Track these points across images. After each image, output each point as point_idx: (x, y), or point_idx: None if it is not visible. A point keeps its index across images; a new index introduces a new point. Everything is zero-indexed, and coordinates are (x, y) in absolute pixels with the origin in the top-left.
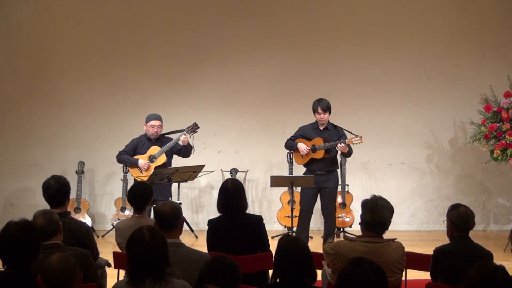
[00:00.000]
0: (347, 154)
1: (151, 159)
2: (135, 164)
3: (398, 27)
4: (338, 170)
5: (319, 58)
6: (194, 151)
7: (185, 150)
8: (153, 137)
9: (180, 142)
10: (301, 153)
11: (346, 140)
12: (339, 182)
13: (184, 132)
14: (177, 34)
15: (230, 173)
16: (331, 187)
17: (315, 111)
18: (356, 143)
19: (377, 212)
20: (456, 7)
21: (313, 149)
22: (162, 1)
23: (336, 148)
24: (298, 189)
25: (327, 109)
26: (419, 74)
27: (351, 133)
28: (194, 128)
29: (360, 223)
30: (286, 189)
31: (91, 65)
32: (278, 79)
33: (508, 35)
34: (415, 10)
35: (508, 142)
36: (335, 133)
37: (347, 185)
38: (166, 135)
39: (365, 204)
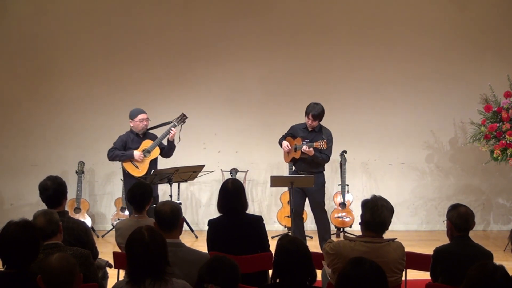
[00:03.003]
0: (316, 158)
1: (145, 153)
2: (130, 157)
3: (398, 27)
4: (326, 173)
5: (319, 58)
6: (174, 153)
7: (168, 148)
8: (142, 132)
9: (169, 136)
10: (284, 150)
11: (314, 144)
12: (338, 182)
13: (174, 123)
14: (177, 34)
15: (230, 173)
16: (314, 189)
17: (306, 114)
18: (321, 147)
19: (377, 212)
20: (456, 7)
21: (295, 148)
22: (161, 1)
23: (302, 150)
24: None
25: (318, 117)
26: (419, 74)
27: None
28: (183, 118)
29: (360, 223)
30: (286, 189)
31: (91, 65)
32: (278, 79)
33: (508, 35)
34: (414, 10)
35: (508, 142)
36: (319, 135)
37: (347, 185)
38: (150, 130)
39: (365, 204)
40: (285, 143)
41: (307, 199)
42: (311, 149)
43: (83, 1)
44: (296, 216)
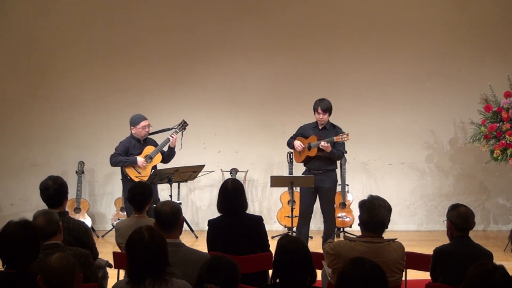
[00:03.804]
0: (332, 155)
1: (147, 159)
2: (133, 163)
3: (398, 28)
4: (338, 171)
5: (319, 59)
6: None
7: (168, 154)
8: (143, 138)
9: (170, 143)
10: (297, 150)
11: (334, 138)
12: (339, 182)
13: (175, 129)
14: (177, 34)
15: (230, 173)
16: (328, 187)
17: (315, 110)
18: (343, 140)
19: (375, 212)
20: (456, 8)
21: (309, 147)
22: (162, 1)
23: (320, 146)
24: (298, 189)
25: (327, 110)
26: (419, 74)
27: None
28: (183, 125)
29: (359, 224)
30: (286, 189)
31: (91, 65)
32: (278, 79)
33: (508, 36)
34: (414, 11)
35: (508, 142)
36: (333, 132)
37: (347, 185)
38: (149, 135)
39: (362, 205)
40: (297, 142)
41: (316, 201)
42: (329, 144)
43: (83, 2)
44: (305, 216)
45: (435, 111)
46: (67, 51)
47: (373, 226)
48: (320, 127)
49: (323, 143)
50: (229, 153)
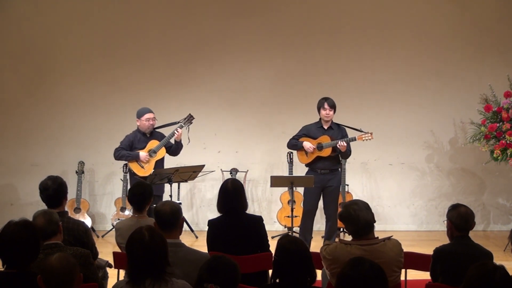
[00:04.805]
0: (345, 154)
1: (151, 153)
2: (136, 158)
3: (398, 27)
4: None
5: (319, 58)
6: (184, 149)
7: (175, 148)
8: (148, 131)
9: (175, 137)
10: (308, 151)
11: (356, 137)
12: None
13: (181, 123)
14: (177, 33)
15: (230, 173)
16: (334, 186)
17: (320, 107)
18: (367, 140)
19: (355, 219)
20: (456, 7)
21: (319, 147)
22: (161, 0)
23: (337, 146)
24: (298, 189)
25: (333, 106)
26: (419, 74)
27: (358, 130)
28: (190, 119)
29: (349, 234)
30: (286, 189)
31: (91, 65)
32: (278, 79)
33: (508, 35)
34: (415, 10)
35: (508, 142)
36: (339, 132)
37: (347, 185)
38: (157, 129)
39: (341, 218)
40: (308, 143)
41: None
42: (346, 144)
43: (83, 1)
44: (310, 216)
45: (435, 111)
46: (66, 51)
47: (361, 231)
48: (325, 127)
49: (341, 143)
50: (229, 153)
